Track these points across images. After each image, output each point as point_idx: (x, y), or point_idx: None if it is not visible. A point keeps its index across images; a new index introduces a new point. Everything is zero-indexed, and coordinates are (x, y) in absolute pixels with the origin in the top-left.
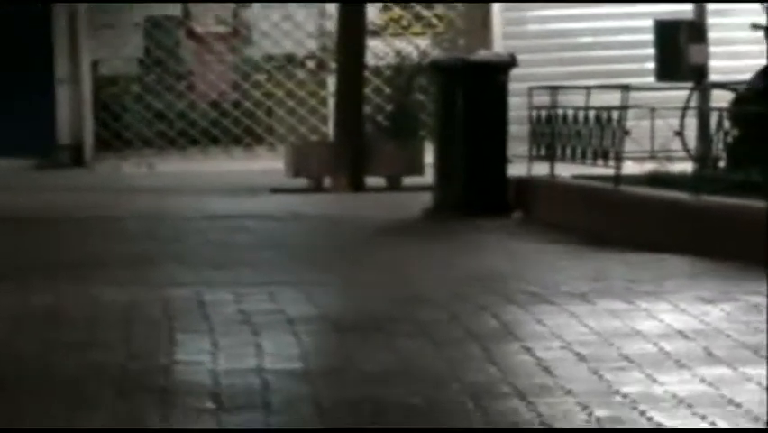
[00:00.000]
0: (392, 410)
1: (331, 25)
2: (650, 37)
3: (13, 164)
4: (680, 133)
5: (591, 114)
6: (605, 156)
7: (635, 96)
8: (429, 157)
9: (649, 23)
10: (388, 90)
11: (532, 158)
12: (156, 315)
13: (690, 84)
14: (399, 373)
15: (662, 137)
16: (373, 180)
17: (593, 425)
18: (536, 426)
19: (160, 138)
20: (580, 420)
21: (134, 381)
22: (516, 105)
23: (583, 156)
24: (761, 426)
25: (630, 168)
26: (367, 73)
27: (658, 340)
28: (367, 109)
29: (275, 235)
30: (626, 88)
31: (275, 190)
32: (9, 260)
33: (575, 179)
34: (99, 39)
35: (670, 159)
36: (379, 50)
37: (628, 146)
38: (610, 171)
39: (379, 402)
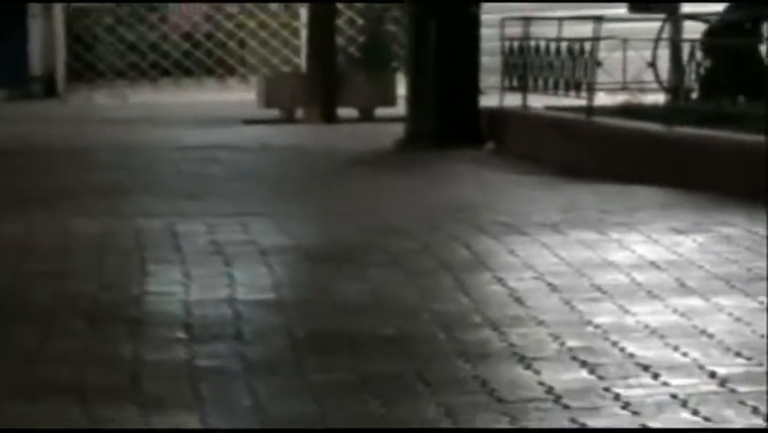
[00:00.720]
0: (364, 340)
1: None
2: None
3: None
4: (652, 65)
5: (564, 45)
6: (577, 87)
7: (607, 27)
8: (401, 88)
9: None
10: (360, 22)
11: (504, 89)
12: (128, 245)
13: (662, 15)
14: (371, 303)
15: (634, 68)
16: (345, 112)
17: (565, 355)
18: (508, 356)
19: (133, 69)
20: (551, 351)
21: (106, 311)
22: (489, 37)
23: (555, 87)
24: (732, 357)
25: (602, 99)
26: (339, 4)
27: (630, 271)
28: (339, 41)
29: (247, 166)
30: (598, 20)
31: (247, 122)
32: None
33: (547, 111)
34: None
35: (642, 90)
36: None
37: (600, 77)
38: (582, 103)
39: (350, 333)
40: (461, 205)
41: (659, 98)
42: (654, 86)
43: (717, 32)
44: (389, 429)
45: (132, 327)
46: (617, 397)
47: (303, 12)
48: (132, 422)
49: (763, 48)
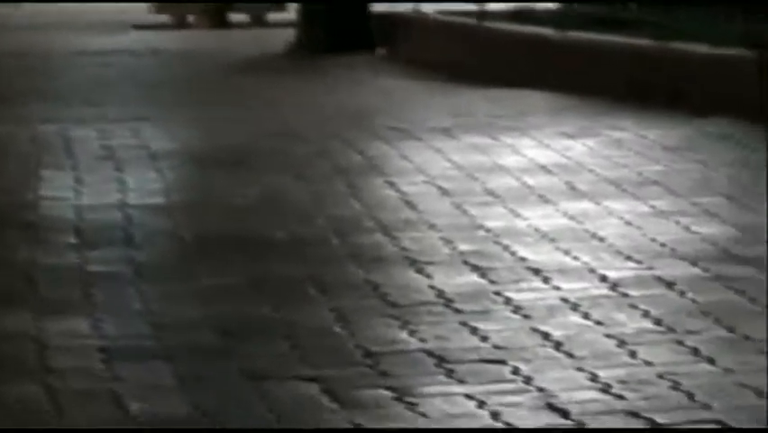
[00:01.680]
0: (255, 244)
1: None
2: None
3: None
4: None
5: None
6: None
7: None
8: None
9: None
10: None
11: None
12: (21, 151)
13: None
14: (264, 207)
15: None
16: (237, 17)
17: (456, 258)
18: (400, 260)
19: None
20: (443, 255)
21: (1, 216)
22: None
23: None
24: (622, 260)
25: (494, 4)
26: None
27: (521, 175)
28: None
29: (138, 72)
30: None
31: (138, 27)
32: None
33: (440, 15)
34: None
35: None
36: None
37: None
38: (474, 7)
39: (242, 236)
40: (354, 110)
41: (550, 4)
42: None
43: None
44: (284, 333)
45: (27, 231)
46: (508, 301)
47: None
48: (26, 327)
49: None
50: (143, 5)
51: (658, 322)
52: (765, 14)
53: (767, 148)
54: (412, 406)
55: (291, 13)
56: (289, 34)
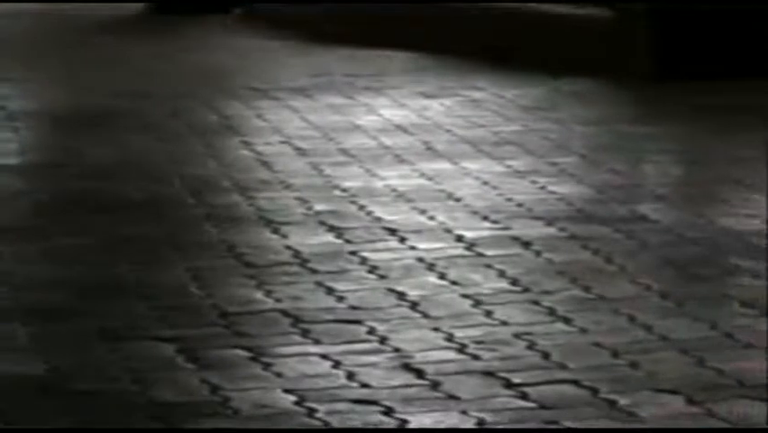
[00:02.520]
0: (114, 204)
1: None
2: None
3: None
4: None
5: None
6: None
7: None
8: None
9: None
10: None
11: None
12: None
13: None
14: (122, 167)
15: None
16: None
17: (312, 218)
18: (255, 220)
19: None
20: (299, 215)
21: None
22: None
23: None
24: (479, 220)
25: None
26: None
27: (378, 135)
28: None
29: None
30: None
31: None
32: None
33: None
34: None
35: None
36: None
37: None
38: None
39: (100, 196)
40: (211, 70)
41: None
42: None
43: None
44: (145, 294)
45: None
46: (363, 261)
47: None
48: None
49: None
50: None
51: (514, 282)
52: None
53: (623, 106)
54: (267, 366)
55: None
56: None
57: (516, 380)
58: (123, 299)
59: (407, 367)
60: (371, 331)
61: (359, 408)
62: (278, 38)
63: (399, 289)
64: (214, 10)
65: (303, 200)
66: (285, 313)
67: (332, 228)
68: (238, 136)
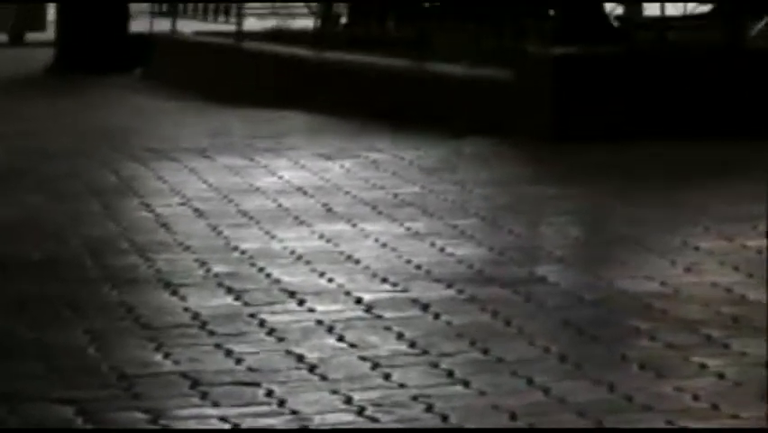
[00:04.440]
0: (11, 263)
1: None
2: None
3: None
4: None
5: None
6: (227, 12)
7: None
8: (52, 13)
9: None
10: None
11: (154, 14)
12: None
13: None
14: (20, 226)
15: None
16: None
17: (211, 280)
18: (154, 282)
19: None
20: (197, 276)
21: None
22: None
23: (205, 12)
24: (378, 283)
25: (253, 24)
26: None
27: (277, 196)
28: None
29: None
30: None
31: None
32: None
33: (197, 35)
34: None
35: (292, 15)
36: None
37: (250, 3)
38: (232, 28)
39: None
40: (110, 130)
41: (309, 23)
42: (304, 11)
43: None
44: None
45: None
46: (262, 323)
47: None
48: None
49: None
50: None
51: (412, 344)
52: (516, 32)
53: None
54: (166, 429)
55: (51, 33)
56: (48, 54)
57: None
58: (21, 360)
59: (305, 430)
60: (270, 393)
61: None
62: (178, 97)
63: (298, 351)
64: (115, 69)
65: (202, 262)
66: (183, 375)
67: (230, 290)
68: (137, 197)
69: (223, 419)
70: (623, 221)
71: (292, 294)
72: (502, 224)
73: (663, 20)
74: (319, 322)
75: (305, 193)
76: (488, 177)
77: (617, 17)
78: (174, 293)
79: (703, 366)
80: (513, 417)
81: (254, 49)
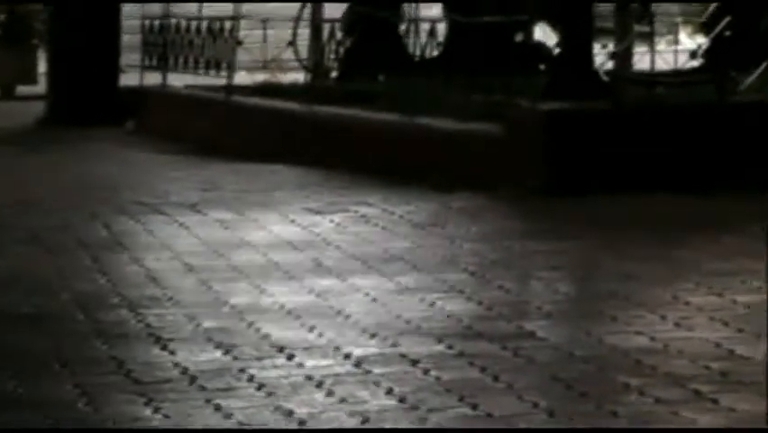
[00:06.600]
0: (1, 318)
1: None
2: None
3: None
4: (292, 44)
5: (204, 24)
6: (217, 66)
7: (247, 6)
8: (43, 66)
9: None
10: None
11: (144, 67)
12: None
13: None
14: (9, 279)
15: (274, 48)
16: None
17: (201, 335)
18: (144, 337)
19: None
20: (187, 331)
21: None
22: (129, 14)
23: (196, 66)
24: (367, 338)
25: (243, 78)
26: None
27: (267, 251)
28: None
29: None
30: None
31: None
32: None
33: (187, 89)
34: None
35: (282, 69)
36: None
37: (241, 56)
38: (223, 81)
39: None
40: (101, 184)
41: (299, 77)
42: (295, 65)
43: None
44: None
45: None
46: (251, 378)
47: None
48: None
49: (402, 28)
50: None
51: (402, 399)
52: (506, 87)
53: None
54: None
55: (42, 85)
56: (39, 107)
57: None
58: (10, 414)
59: (306, 430)
60: None
61: None
62: (169, 151)
63: (287, 406)
64: (106, 122)
65: (191, 317)
66: (173, 431)
67: (220, 345)
68: (127, 251)
69: None
70: (613, 276)
71: (281, 349)
72: (492, 278)
73: (653, 75)
74: (308, 377)
75: (295, 247)
76: (478, 232)
77: (607, 72)
78: (164, 348)
79: (692, 422)
80: None
81: (244, 103)
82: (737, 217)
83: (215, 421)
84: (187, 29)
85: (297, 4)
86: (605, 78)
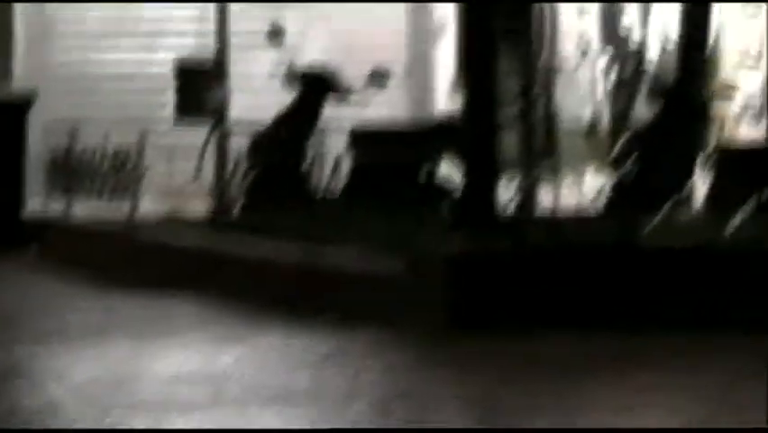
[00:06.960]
0: None
1: None
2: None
3: None
4: (197, 174)
5: (110, 152)
6: (122, 195)
7: (154, 136)
8: None
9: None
10: None
11: (48, 195)
12: None
13: (209, 124)
14: None
15: (180, 177)
16: None
17: None
18: None
19: None
20: None
21: None
22: (34, 140)
23: (100, 195)
24: None
25: (147, 207)
26: None
27: (166, 384)
28: None
29: None
30: (144, 130)
31: None
32: None
33: (90, 218)
34: None
35: (187, 199)
36: None
37: (146, 186)
38: (126, 210)
39: None
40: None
41: (203, 208)
42: (200, 194)
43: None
44: None
45: None
46: None
47: None
48: None
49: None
50: None
51: None
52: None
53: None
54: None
55: None
56: None
57: None
58: None
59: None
60: None
61: None
62: (68, 281)
63: None
64: (6, 251)
65: None
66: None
67: None
68: (25, 381)
69: None
70: (514, 410)
71: None
72: (392, 411)
73: (556, 217)
74: None
75: (194, 380)
76: (379, 365)
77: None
78: None
79: None
80: None
81: (146, 234)
82: (640, 355)
83: None
84: (93, 156)
85: (203, 133)
86: (508, 217)
